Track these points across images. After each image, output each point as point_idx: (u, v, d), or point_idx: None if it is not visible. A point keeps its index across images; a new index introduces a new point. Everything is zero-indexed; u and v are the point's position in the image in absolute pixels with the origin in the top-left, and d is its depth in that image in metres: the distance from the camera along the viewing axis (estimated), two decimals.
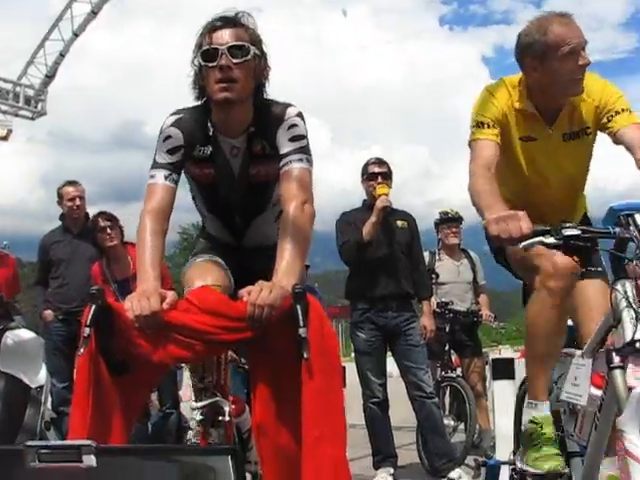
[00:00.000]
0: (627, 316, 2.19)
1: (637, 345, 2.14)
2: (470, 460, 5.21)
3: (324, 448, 2.02)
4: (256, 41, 2.57)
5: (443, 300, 6.31)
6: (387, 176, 5.33)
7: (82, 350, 2.13)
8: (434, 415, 5.19)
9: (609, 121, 2.86)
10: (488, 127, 2.85)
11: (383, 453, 5.22)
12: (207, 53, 2.50)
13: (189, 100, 2.70)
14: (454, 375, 6.23)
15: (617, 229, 2.23)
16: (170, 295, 2.22)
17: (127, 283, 5.23)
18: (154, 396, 5.80)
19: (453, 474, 5.00)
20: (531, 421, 2.84)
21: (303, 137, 2.57)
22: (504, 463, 3.21)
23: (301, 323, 2.09)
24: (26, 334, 4.40)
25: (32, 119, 25.08)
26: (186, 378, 6.46)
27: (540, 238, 2.21)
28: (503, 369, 4.75)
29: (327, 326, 2.19)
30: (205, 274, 2.69)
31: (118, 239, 5.66)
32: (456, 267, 6.63)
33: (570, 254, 2.35)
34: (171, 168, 2.57)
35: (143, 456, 1.60)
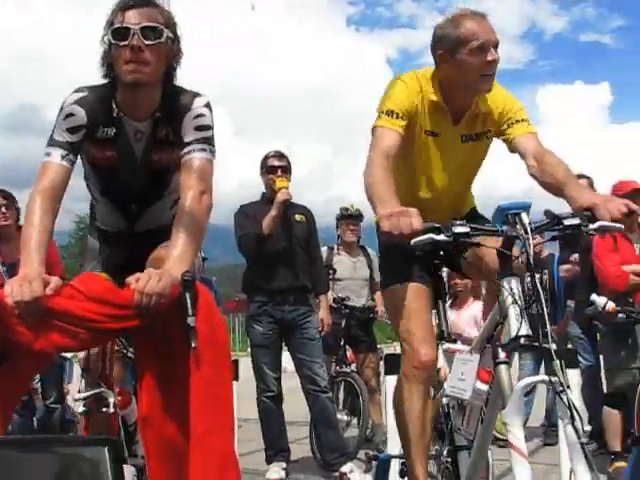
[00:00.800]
0: (513, 312, 2.26)
1: (521, 341, 2.21)
2: (362, 454, 5.30)
3: (211, 441, 1.99)
4: (170, 24, 2.49)
5: (340, 295, 6.37)
6: (286, 170, 5.32)
7: None
8: (328, 409, 5.22)
9: (508, 128, 2.95)
10: (397, 117, 2.85)
11: (276, 447, 5.21)
12: (118, 32, 2.41)
13: None
14: (348, 370, 6.30)
15: (504, 227, 2.29)
16: (54, 281, 2.13)
17: (15, 267, 4.99)
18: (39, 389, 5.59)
19: (345, 468, 5.03)
20: None
21: (209, 127, 2.53)
22: (395, 457, 3.26)
23: (190, 312, 2.05)
24: None
25: None
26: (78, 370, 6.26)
27: (430, 235, 2.25)
28: (396, 364, 4.79)
29: (216, 315, 2.16)
30: None
31: (12, 220, 5.39)
32: (353, 263, 6.69)
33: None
34: (69, 148, 2.47)
35: (18, 448, 1.53)
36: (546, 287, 6.25)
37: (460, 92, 2.92)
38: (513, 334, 2.23)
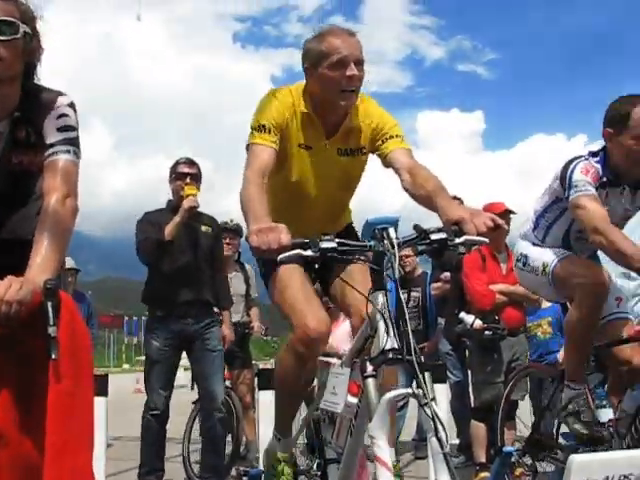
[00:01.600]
0: (381, 327, 2.29)
1: (389, 355, 2.25)
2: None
3: (66, 458, 1.89)
4: (28, 19, 2.36)
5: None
6: (196, 177, 5.13)
7: None
8: (216, 429, 5.04)
9: (383, 143, 2.98)
10: (268, 132, 2.84)
11: (150, 466, 5.03)
12: None
13: None
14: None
15: (372, 242, 2.32)
16: None
17: None
18: None
19: None
20: (274, 457, 3.00)
21: (73, 128, 2.41)
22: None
23: (51, 321, 1.95)
24: None
25: None
26: None
27: (298, 251, 2.24)
28: (269, 379, 4.79)
29: (80, 326, 2.06)
30: None
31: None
32: (229, 279, 6.63)
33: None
34: None
35: None
36: (418, 304, 6.42)
37: (327, 106, 2.94)
38: (381, 348, 2.26)
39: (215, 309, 5.33)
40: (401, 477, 2.75)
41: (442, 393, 4.30)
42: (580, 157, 3.28)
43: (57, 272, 2.20)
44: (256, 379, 6.11)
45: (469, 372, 6.09)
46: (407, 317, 2.22)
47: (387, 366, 2.27)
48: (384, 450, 2.15)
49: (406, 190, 2.85)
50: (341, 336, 6.32)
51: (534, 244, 3.52)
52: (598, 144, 3.40)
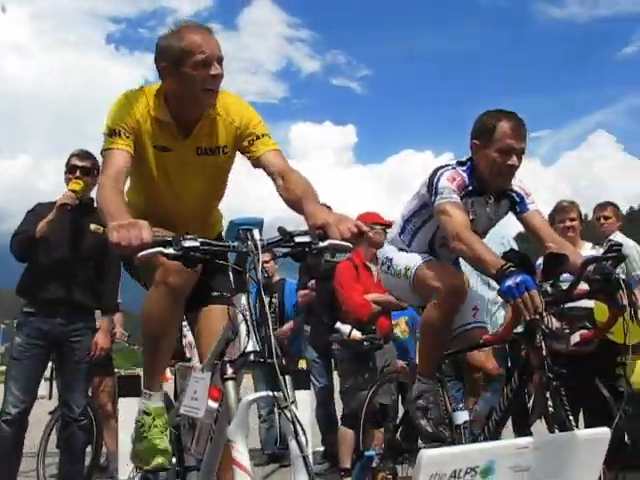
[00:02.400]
0: (243, 329, 2.26)
1: (250, 357, 2.22)
2: None
3: None
4: None
5: None
6: (88, 171, 4.77)
7: None
8: (75, 439, 4.74)
9: (250, 145, 2.92)
10: (121, 136, 2.76)
11: None
12: None
13: None
14: None
15: (236, 243, 2.28)
16: None
17: None
18: None
19: None
20: (144, 412, 2.86)
21: None
22: None
23: None
24: None
25: None
26: None
27: (160, 248, 2.18)
28: (130, 386, 4.64)
29: None
30: None
31: None
32: None
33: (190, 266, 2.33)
34: None
35: None
36: (275, 311, 6.43)
37: (186, 106, 2.87)
38: (242, 350, 2.23)
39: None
40: None
41: (306, 400, 4.30)
42: (448, 165, 3.38)
43: None
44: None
45: (335, 379, 6.17)
46: (269, 319, 2.19)
47: (246, 369, 2.24)
48: (243, 454, 2.12)
49: (280, 195, 2.83)
50: None
51: (400, 249, 3.59)
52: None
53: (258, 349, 2.20)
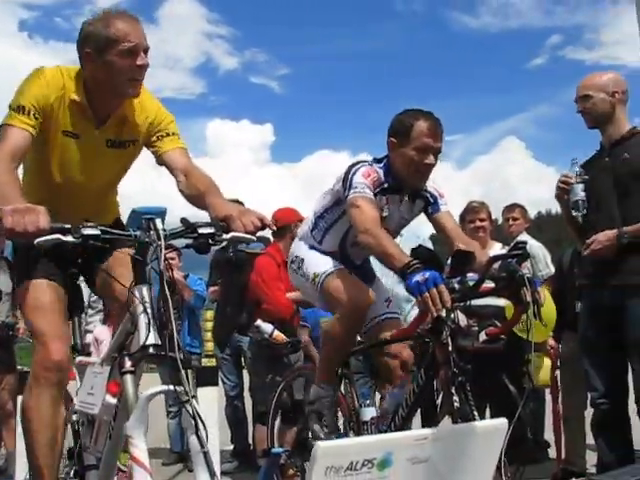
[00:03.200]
0: (143, 321, 2.19)
1: (150, 350, 2.15)
2: None
3: None
4: None
5: None
6: None
7: None
8: None
9: (158, 140, 2.89)
10: (27, 114, 2.64)
11: None
12: None
13: None
14: None
15: (138, 232, 2.22)
16: None
17: None
18: None
19: None
20: None
21: None
22: None
23: None
24: None
25: None
26: None
27: (58, 236, 2.10)
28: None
29: None
30: None
31: None
32: None
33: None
34: None
35: None
36: (177, 307, 6.31)
37: (106, 94, 2.80)
38: (141, 343, 2.16)
39: None
40: None
41: (213, 397, 4.23)
42: (364, 162, 3.37)
43: None
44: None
45: (244, 376, 6.11)
46: (172, 311, 2.13)
47: (147, 362, 2.18)
48: (142, 450, 2.05)
49: (181, 192, 2.80)
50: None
51: (311, 246, 3.55)
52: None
53: (158, 342, 2.15)
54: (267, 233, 2.62)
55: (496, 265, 3.04)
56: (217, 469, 2.44)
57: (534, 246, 5.76)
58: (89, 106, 2.81)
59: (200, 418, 2.05)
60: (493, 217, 5.50)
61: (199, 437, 2.03)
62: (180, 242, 2.37)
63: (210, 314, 6.55)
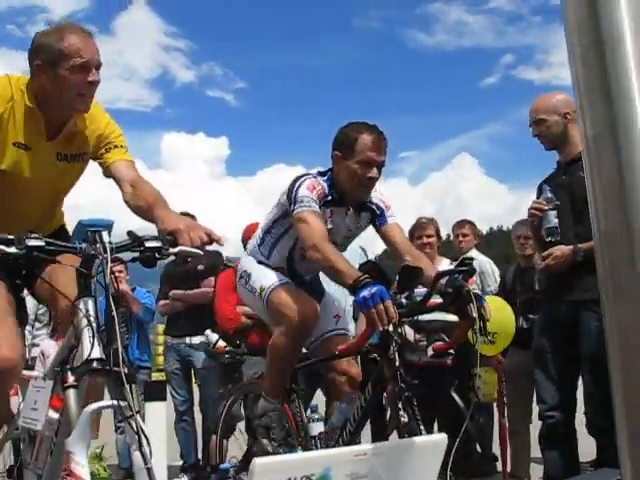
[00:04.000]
0: (86, 335, 2.17)
1: (94, 364, 2.13)
2: None
3: None
4: None
5: None
6: None
7: None
8: None
9: (106, 152, 2.88)
10: None
11: None
12: None
13: None
14: None
15: (84, 245, 2.20)
16: None
17: None
18: None
19: None
20: None
21: None
22: None
23: None
24: None
25: None
26: None
27: (1, 247, 2.07)
28: None
29: None
30: None
31: None
32: None
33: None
34: None
35: None
36: (125, 320, 6.25)
37: (55, 107, 2.77)
38: (85, 357, 2.14)
39: None
40: None
41: (162, 412, 4.18)
42: (308, 174, 3.38)
43: None
44: None
45: (195, 391, 6.07)
46: (117, 326, 2.11)
47: (90, 376, 2.15)
48: (83, 466, 2.03)
49: (127, 203, 2.79)
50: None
51: (259, 261, 3.55)
52: None
53: (102, 356, 2.13)
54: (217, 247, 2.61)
55: (443, 280, 3.08)
56: None
57: (483, 262, 5.85)
58: (42, 117, 2.78)
59: (144, 433, 2.03)
60: (446, 233, 5.57)
61: (143, 453, 2.01)
62: (127, 255, 2.36)
63: (162, 328, 6.49)
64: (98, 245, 2.17)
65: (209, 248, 2.56)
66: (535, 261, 5.37)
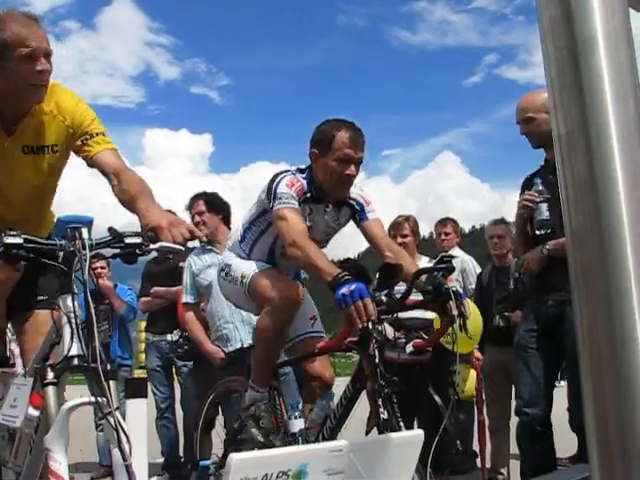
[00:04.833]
0: (67, 332, 2.17)
1: (74, 361, 2.13)
2: None
3: None
4: None
5: None
6: None
7: None
8: None
9: (84, 145, 2.80)
10: None
11: None
12: None
13: None
14: None
15: (63, 242, 2.19)
16: None
17: None
18: None
19: None
20: None
21: None
22: None
23: None
24: None
25: None
26: None
27: None
28: None
29: None
30: None
31: None
32: None
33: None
34: None
35: None
36: (107, 318, 6.26)
37: (9, 101, 2.69)
38: (65, 354, 2.14)
39: None
40: None
41: (143, 409, 4.17)
42: (287, 171, 3.38)
43: None
44: None
45: (176, 389, 6.06)
46: (95, 323, 2.11)
47: (70, 373, 2.15)
48: (61, 464, 2.03)
49: (115, 195, 2.72)
50: None
51: (240, 257, 3.55)
52: None
53: (82, 353, 2.12)
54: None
55: (423, 278, 3.09)
56: None
57: (465, 260, 5.88)
58: None
59: (123, 430, 2.03)
60: (429, 231, 5.58)
61: (122, 450, 2.02)
62: (108, 252, 2.35)
63: (143, 324, 6.48)
64: (77, 242, 2.16)
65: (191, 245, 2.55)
66: (509, 260, 5.43)
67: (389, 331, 3.78)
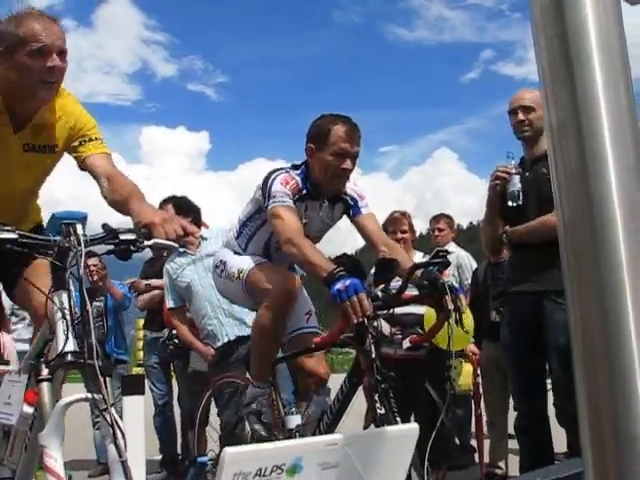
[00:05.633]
0: (61, 328, 2.16)
1: (68, 357, 2.12)
2: None
3: None
4: None
5: None
6: None
7: None
8: None
9: (80, 145, 2.83)
10: None
11: None
12: None
13: None
14: None
15: (58, 238, 2.18)
16: None
17: None
18: None
19: None
20: None
21: None
22: None
23: None
24: None
25: None
26: None
27: None
28: None
29: None
30: None
31: None
32: None
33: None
34: None
35: None
36: (101, 314, 6.27)
37: (20, 96, 2.71)
38: (59, 350, 2.13)
39: None
40: None
41: (140, 406, 4.16)
42: (282, 169, 3.37)
43: None
44: None
45: (174, 385, 6.07)
46: (91, 318, 2.10)
47: (65, 369, 2.14)
48: (57, 460, 2.02)
49: (104, 197, 2.74)
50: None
51: (235, 252, 3.55)
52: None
53: (77, 349, 2.12)
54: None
55: (418, 272, 3.09)
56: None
57: (461, 256, 5.88)
58: (6, 109, 2.73)
59: (119, 426, 2.02)
60: (427, 227, 5.58)
61: (117, 446, 2.01)
62: (102, 248, 2.35)
63: (142, 322, 6.48)
64: (72, 238, 2.16)
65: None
66: (504, 255, 5.43)
67: (385, 327, 3.78)
